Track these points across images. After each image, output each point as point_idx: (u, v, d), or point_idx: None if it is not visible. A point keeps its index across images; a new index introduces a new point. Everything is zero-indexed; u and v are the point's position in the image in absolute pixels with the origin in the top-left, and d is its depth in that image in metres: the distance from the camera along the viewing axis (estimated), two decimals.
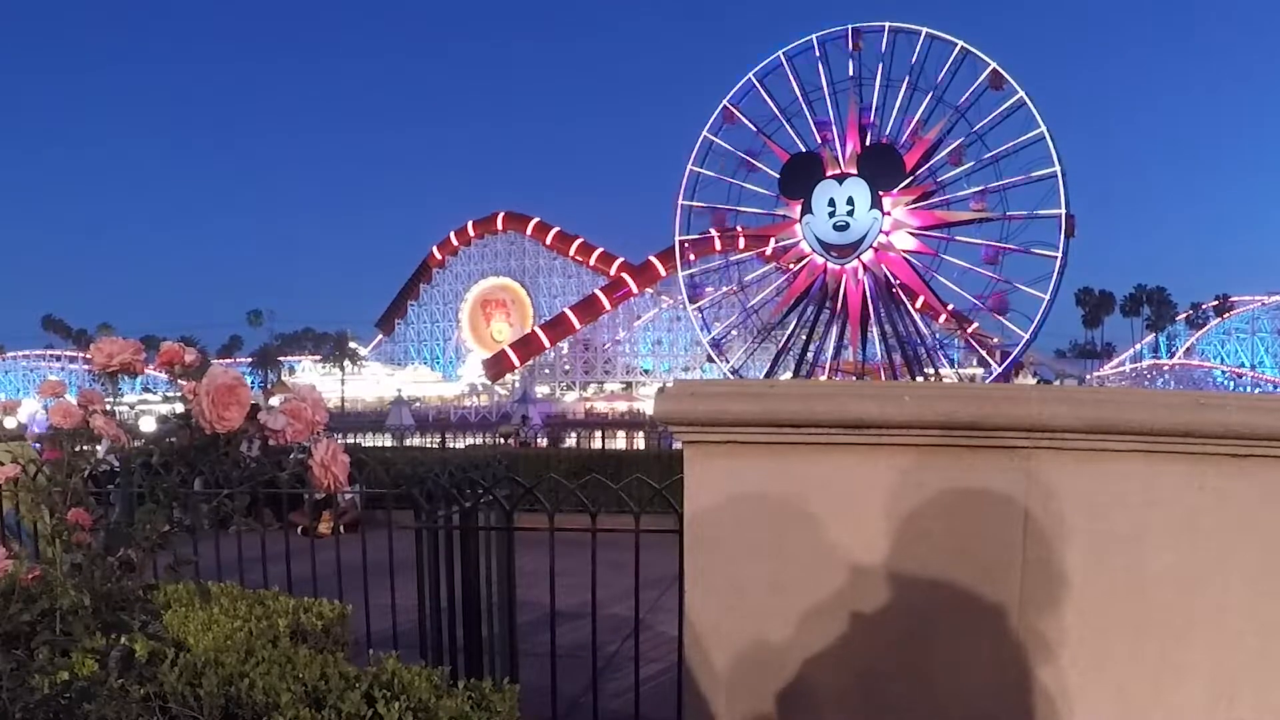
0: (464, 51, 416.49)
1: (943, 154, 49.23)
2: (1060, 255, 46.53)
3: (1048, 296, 47.86)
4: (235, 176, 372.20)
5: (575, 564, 3.59)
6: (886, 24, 49.32)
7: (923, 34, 48.96)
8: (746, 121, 52.77)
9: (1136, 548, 2.38)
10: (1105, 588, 2.38)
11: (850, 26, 49.89)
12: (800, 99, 51.43)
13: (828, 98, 50.94)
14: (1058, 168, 46.63)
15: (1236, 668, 2.38)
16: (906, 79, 49.06)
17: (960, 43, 48.52)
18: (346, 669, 2.62)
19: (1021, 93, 47.43)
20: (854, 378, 43.12)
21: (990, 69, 47.71)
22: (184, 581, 3.42)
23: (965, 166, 48.92)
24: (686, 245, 55.69)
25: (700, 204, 54.47)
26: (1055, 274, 47.09)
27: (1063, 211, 46.49)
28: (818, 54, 50.94)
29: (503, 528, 4.10)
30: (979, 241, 49.28)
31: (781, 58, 51.87)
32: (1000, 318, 50.06)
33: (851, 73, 50.25)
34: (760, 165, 52.24)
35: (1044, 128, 47.04)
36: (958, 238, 49.96)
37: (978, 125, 48.35)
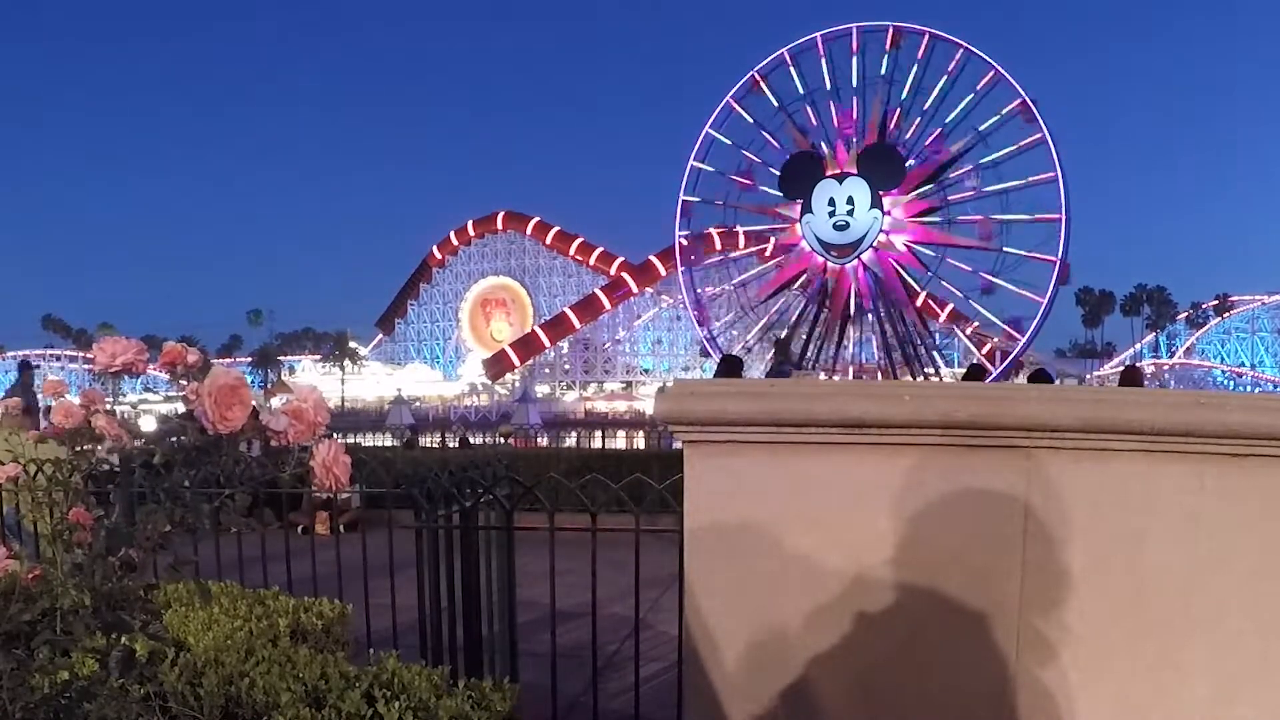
0: (465, 51, 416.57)
1: (956, 174, 49.21)
2: (1047, 301, 46.87)
3: (1029, 331, 48.32)
4: (235, 176, 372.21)
5: (575, 563, 3.59)
6: (890, 24, 49.31)
7: (926, 35, 48.98)
8: (748, 118, 52.74)
9: (1136, 547, 2.38)
10: (1105, 588, 2.38)
11: (855, 26, 49.87)
12: (802, 97, 51.43)
13: (829, 96, 50.94)
14: (1064, 212, 46.65)
15: (1236, 668, 2.38)
16: (909, 80, 49.10)
17: (964, 45, 48.55)
18: (346, 668, 2.62)
19: (1045, 131, 47.12)
20: (853, 377, 43.14)
21: (1020, 100, 47.35)
22: (184, 581, 3.43)
23: (976, 191, 48.83)
24: (686, 243, 55.69)
25: (701, 199, 54.46)
26: (1038, 317, 47.48)
27: (1059, 258, 46.56)
28: (821, 53, 50.91)
29: (503, 527, 4.10)
30: (969, 268, 49.39)
31: (785, 55, 51.85)
32: (984, 311, 50.30)
33: (855, 71, 50.27)
34: (755, 179, 52.21)
35: (1059, 170, 46.87)
36: (956, 262, 50.01)
37: (996, 154, 48.15)
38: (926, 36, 48.90)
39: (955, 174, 49.29)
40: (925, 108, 48.89)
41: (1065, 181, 46.91)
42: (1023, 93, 47.56)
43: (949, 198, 49.81)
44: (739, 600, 2.52)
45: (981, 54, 48.36)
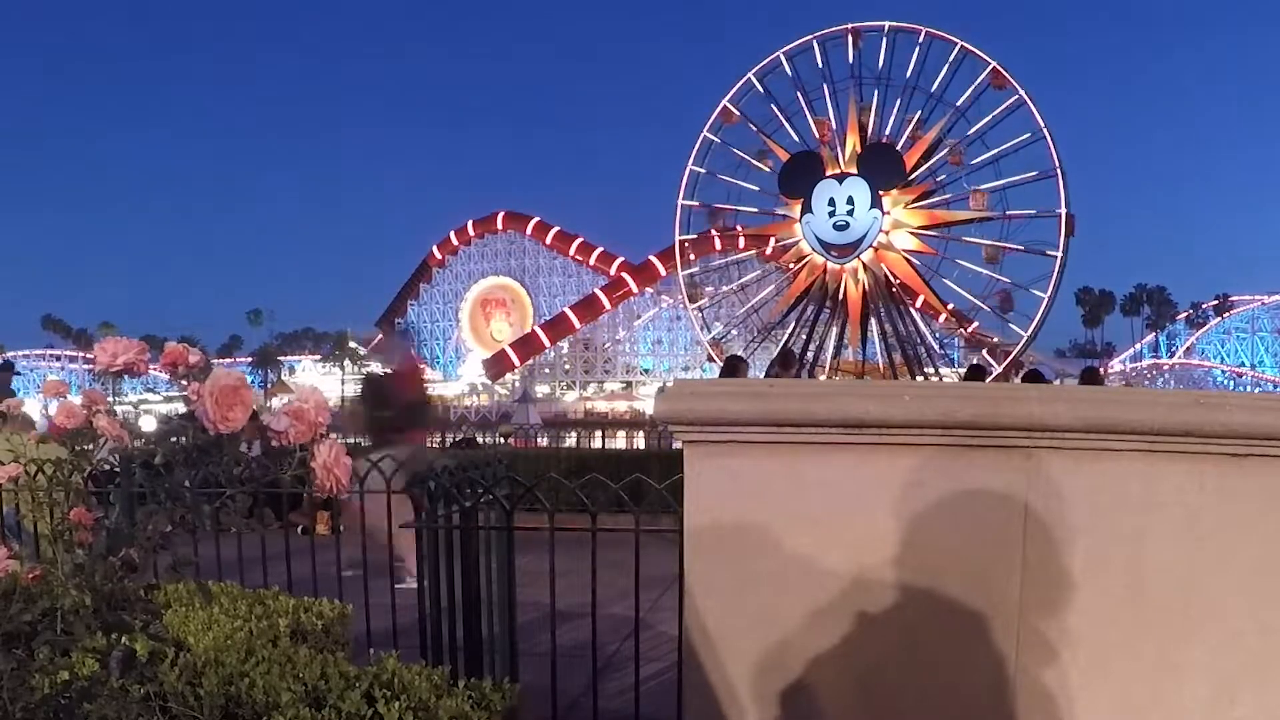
0: (464, 49, 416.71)
1: (942, 153, 49.30)
2: (1060, 254, 46.69)
3: (1048, 296, 48.02)
4: (235, 175, 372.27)
5: (575, 563, 3.59)
6: (886, 23, 49.35)
7: (922, 33, 48.99)
8: (746, 121, 52.77)
9: (1137, 547, 2.38)
10: (1105, 587, 2.39)
11: (850, 26, 49.89)
12: (800, 99, 51.46)
13: (827, 97, 50.97)
14: (1058, 167, 46.78)
15: (1236, 668, 2.38)
16: (906, 78, 49.16)
17: (960, 42, 48.58)
18: (346, 668, 2.62)
19: (1021, 92, 47.55)
20: (854, 377, 43.14)
21: (990, 68, 47.79)
22: (184, 581, 3.43)
23: (965, 166, 49.02)
24: (686, 245, 55.75)
25: (700, 204, 54.51)
26: (1055, 273, 47.25)
27: (1063, 211, 46.63)
28: (817, 54, 50.95)
29: (503, 527, 4.10)
30: (979, 241, 49.33)
31: (781, 57, 51.84)
32: (1004, 317, 50.23)
33: (851, 73, 50.32)
34: (761, 165, 52.26)
35: (1044, 126, 47.16)
36: (957, 237, 50.02)
37: (978, 125, 48.46)
38: (886, 28, 48.98)
39: (941, 155, 49.33)
40: (899, 97, 49.10)
41: (1052, 136, 47.02)
42: (989, 60, 47.69)
43: (939, 179, 49.94)
44: (739, 600, 2.52)
45: (943, 34, 48.57)
